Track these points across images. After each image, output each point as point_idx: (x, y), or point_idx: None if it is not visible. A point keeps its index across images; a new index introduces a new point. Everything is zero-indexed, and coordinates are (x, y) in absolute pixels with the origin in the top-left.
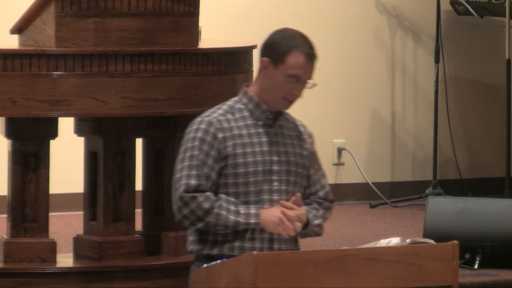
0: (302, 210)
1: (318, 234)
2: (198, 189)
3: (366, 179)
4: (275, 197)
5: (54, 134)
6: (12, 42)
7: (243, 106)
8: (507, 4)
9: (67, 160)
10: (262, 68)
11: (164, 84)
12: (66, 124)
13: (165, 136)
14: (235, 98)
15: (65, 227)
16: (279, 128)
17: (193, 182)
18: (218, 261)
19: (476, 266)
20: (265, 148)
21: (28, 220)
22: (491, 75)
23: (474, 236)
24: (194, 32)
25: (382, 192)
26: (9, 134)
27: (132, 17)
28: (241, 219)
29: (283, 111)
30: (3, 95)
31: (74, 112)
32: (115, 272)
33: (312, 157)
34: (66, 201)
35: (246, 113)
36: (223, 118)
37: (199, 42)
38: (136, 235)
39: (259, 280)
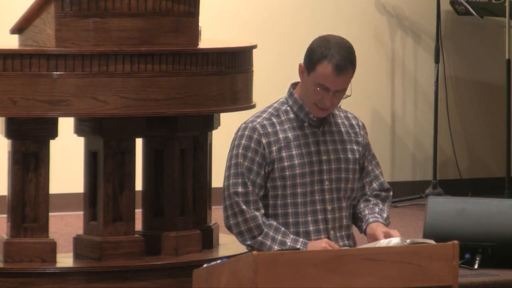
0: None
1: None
2: (247, 199)
3: None
4: (327, 196)
5: (54, 134)
6: (12, 42)
7: (288, 108)
8: (507, 4)
9: (67, 160)
10: (300, 72)
11: (164, 84)
12: (66, 124)
13: (165, 136)
14: (282, 99)
15: (65, 227)
16: (328, 125)
17: (240, 189)
18: (218, 261)
19: (476, 266)
20: (313, 148)
21: (28, 220)
22: (491, 75)
23: (474, 236)
24: (194, 32)
25: None
26: (9, 134)
27: (132, 17)
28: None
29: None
30: (3, 95)
31: (74, 112)
32: (115, 272)
33: (366, 147)
34: (66, 201)
35: (291, 115)
36: (268, 123)
37: (199, 42)
38: (136, 235)
39: (259, 280)
